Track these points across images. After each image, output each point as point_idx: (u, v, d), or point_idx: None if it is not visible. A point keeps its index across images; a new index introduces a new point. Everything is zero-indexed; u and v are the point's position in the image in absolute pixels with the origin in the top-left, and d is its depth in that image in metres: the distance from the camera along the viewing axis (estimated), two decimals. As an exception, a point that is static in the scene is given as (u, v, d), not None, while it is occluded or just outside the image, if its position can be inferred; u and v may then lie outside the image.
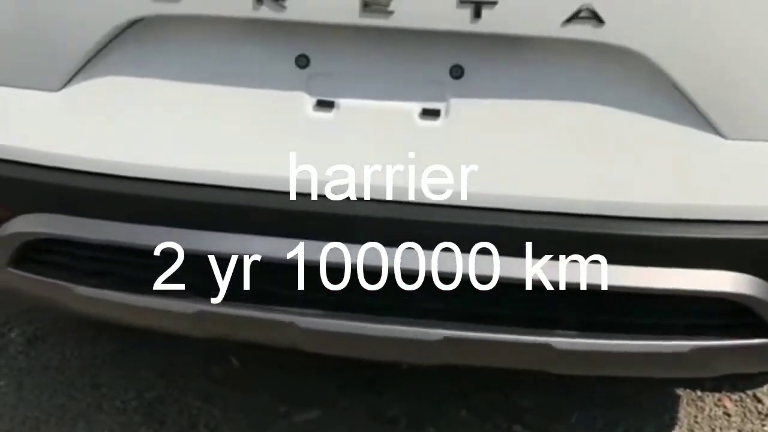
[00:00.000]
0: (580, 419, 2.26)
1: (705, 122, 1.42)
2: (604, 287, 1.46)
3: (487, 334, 1.56)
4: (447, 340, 1.55)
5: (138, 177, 1.55)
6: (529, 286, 1.46)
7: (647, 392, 2.34)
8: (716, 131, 1.43)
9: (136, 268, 1.65)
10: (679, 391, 2.36)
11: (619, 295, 1.51)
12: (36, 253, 1.67)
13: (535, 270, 1.45)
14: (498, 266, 1.47)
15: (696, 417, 2.28)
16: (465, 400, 2.31)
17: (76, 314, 1.84)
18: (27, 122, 1.59)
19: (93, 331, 2.54)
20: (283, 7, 1.38)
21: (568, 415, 2.27)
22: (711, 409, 2.31)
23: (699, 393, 2.35)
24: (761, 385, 2.39)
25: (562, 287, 1.44)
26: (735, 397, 2.36)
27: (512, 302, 1.55)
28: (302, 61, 1.48)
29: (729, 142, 1.43)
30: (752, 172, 1.45)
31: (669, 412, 2.30)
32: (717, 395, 2.35)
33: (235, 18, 1.44)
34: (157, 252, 1.56)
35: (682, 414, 2.29)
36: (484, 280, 1.48)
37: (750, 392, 2.37)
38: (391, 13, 1.36)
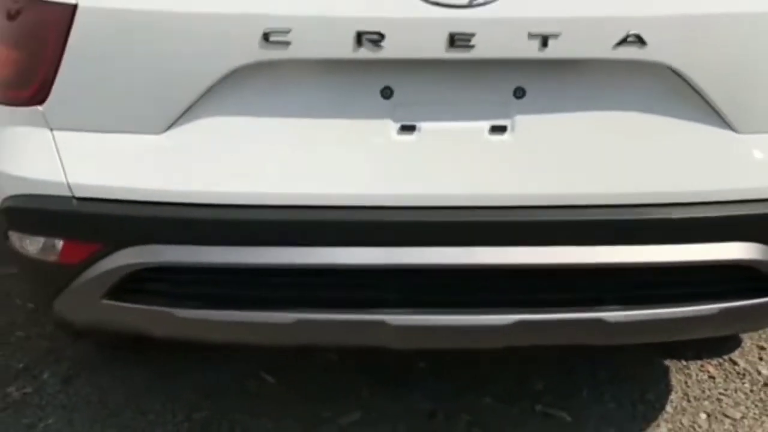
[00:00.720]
0: (590, 395, 2.54)
1: (722, 121, 1.74)
2: (651, 263, 1.75)
3: (551, 315, 1.82)
4: (518, 323, 1.81)
5: (238, 204, 1.74)
6: (595, 268, 1.73)
7: (642, 366, 2.65)
8: (731, 128, 1.75)
9: (235, 286, 1.83)
10: (667, 363, 2.68)
11: (658, 271, 1.81)
12: (135, 283, 1.83)
13: (597, 255, 1.73)
14: (564, 255, 1.74)
15: (686, 382, 2.61)
16: (484, 388, 2.56)
17: (174, 337, 1.99)
18: (131, 163, 1.76)
19: (122, 363, 2.66)
20: (380, 47, 1.61)
21: (579, 392, 2.55)
22: (697, 375, 2.64)
23: (684, 362, 2.68)
24: (734, 349, 2.74)
25: (622, 264, 1.73)
26: (714, 362, 2.69)
27: (571, 285, 1.82)
28: (386, 93, 1.71)
29: (741, 135, 1.75)
30: (759, 158, 1.78)
31: (663, 380, 2.61)
32: (700, 362, 2.68)
33: (331, 59, 1.66)
34: (259, 268, 1.76)
35: (674, 381, 2.61)
36: (552, 268, 1.75)
37: (726, 357, 2.71)
38: (472, 47, 1.62)
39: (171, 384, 2.57)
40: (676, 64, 1.67)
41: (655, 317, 1.85)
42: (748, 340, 2.77)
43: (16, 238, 1.90)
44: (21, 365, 2.68)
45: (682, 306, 1.85)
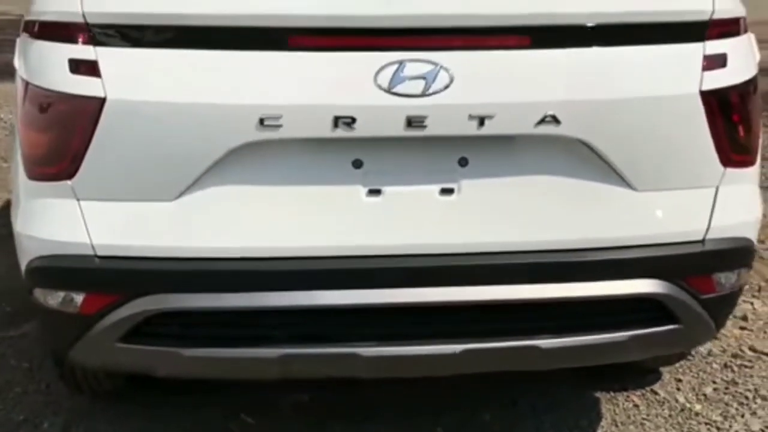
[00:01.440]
0: (532, 423, 2.92)
1: (623, 181, 2.19)
2: (574, 298, 2.17)
3: (494, 344, 2.22)
4: (466, 351, 2.20)
5: (239, 257, 2.12)
6: (529, 303, 2.15)
7: (576, 397, 3.05)
8: (631, 186, 2.19)
9: (231, 327, 2.20)
10: (598, 394, 3.08)
11: (581, 304, 2.23)
12: (147, 327, 2.18)
13: (530, 292, 2.14)
14: (502, 292, 2.15)
15: (614, 410, 3.01)
16: (438, 418, 2.92)
17: (179, 374, 2.33)
18: (146, 226, 2.13)
19: (116, 411, 2.96)
20: (353, 128, 2.03)
21: (522, 421, 2.93)
22: (623, 404, 3.05)
23: (612, 393, 3.09)
24: (655, 381, 3.16)
25: (551, 299, 2.14)
26: (638, 392, 3.11)
27: (509, 318, 2.23)
28: (357, 163, 2.12)
29: (638, 192, 2.20)
30: (655, 211, 2.22)
31: (594, 409, 3.01)
32: (626, 393, 3.09)
33: (313, 137, 2.07)
34: (250, 310, 2.13)
35: (604, 410, 3.01)
36: (493, 303, 2.16)
37: (648, 387, 3.13)
38: (425, 126, 2.04)
39: (163, 428, 2.88)
40: (585, 137, 2.12)
41: (580, 344, 2.26)
42: (667, 373, 3.20)
43: (40, 294, 2.24)
44: (21, 417, 2.96)
45: (602, 334, 2.27)
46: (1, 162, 5.39)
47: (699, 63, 2.15)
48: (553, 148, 2.14)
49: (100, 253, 2.12)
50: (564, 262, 2.16)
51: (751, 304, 3.71)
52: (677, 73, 2.14)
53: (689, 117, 2.15)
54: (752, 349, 3.36)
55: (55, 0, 2.15)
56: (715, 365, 3.25)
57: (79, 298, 2.18)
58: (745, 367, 3.24)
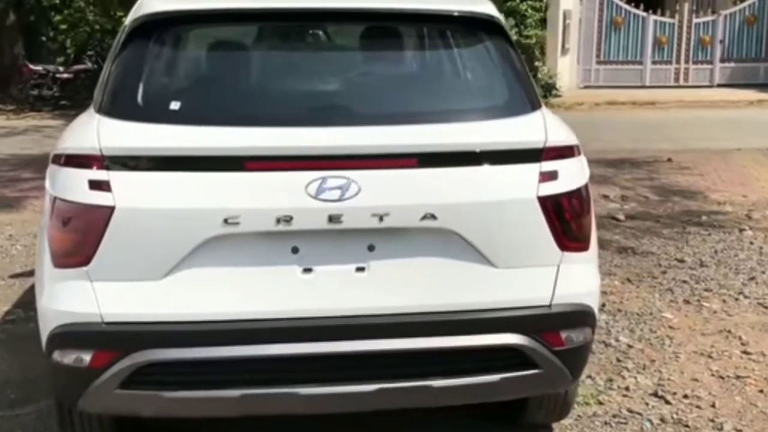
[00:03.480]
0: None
1: (486, 260, 3.03)
2: (457, 347, 2.97)
3: (398, 383, 3.00)
4: (379, 390, 2.98)
5: (208, 320, 2.91)
6: (422, 351, 2.95)
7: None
8: (492, 264, 3.03)
9: (203, 374, 2.97)
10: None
11: (460, 353, 3.03)
12: (138, 376, 2.94)
13: (423, 342, 2.94)
14: (402, 344, 2.95)
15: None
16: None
17: (162, 414, 3.06)
18: (140, 299, 2.92)
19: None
20: (290, 224, 2.88)
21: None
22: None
23: None
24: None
25: (438, 349, 2.94)
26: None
27: (408, 364, 3.02)
28: (295, 249, 2.96)
29: (498, 269, 3.04)
30: (512, 283, 3.06)
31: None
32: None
33: (263, 231, 2.91)
34: (216, 360, 2.91)
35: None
36: (396, 352, 2.96)
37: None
38: (342, 222, 2.90)
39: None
40: (456, 229, 2.97)
41: (463, 383, 3.05)
42: (557, 428, 3.94)
43: (58, 355, 3.00)
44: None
45: (480, 376, 3.06)
46: None
47: (537, 177, 3.03)
48: (434, 236, 2.99)
49: (106, 320, 2.90)
50: (447, 320, 2.97)
51: (635, 378, 4.48)
52: (521, 183, 3.02)
53: (530, 214, 3.01)
54: (629, 410, 4.12)
55: (79, 139, 3.02)
56: (597, 422, 4.00)
57: (88, 355, 2.94)
58: (622, 423, 4.00)
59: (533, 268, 3.06)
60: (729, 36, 19.80)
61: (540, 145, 3.04)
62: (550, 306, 3.06)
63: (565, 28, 18.74)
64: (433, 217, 2.92)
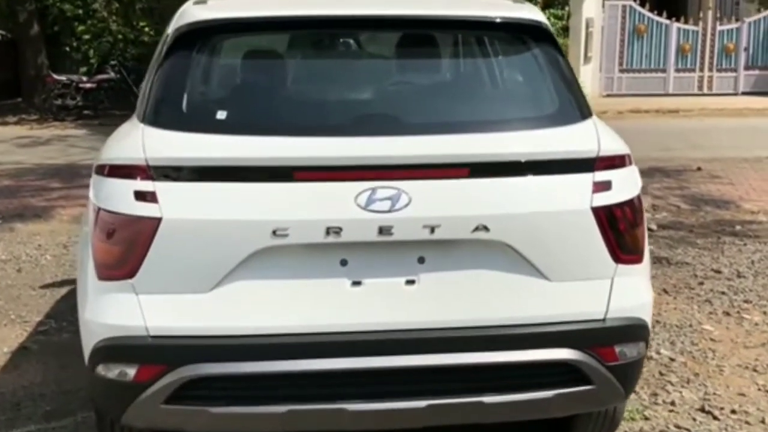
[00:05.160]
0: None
1: (539, 273, 2.96)
2: (510, 363, 2.90)
3: (449, 400, 2.93)
4: (429, 406, 2.91)
5: (255, 334, 2.85)
6: (475, 367, 2.87)
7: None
8: (545, 278, 2.96)
9: (250, 388, 2.91)
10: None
11: (511, 368, 2.95)
12: (185, 391, 2.88)
13: (475, 358, 2.87)
14: (454, 359, 2.88)
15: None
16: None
17: (203, 429, 2.99)
18: (187, 312, 2.87)
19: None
20: (340, 236, 2.82)
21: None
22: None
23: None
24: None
25: (490, 364, 2.87)
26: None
27: (460, 379, 2.95)
28: (343, 262, 2.90)
29: (552, 282, 2.97)
30: (566, 296, 2.98)
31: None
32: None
33: (311, 243, 2.85)
34: (264, 375, 2.85)
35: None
36: (448, 367, 2.88)
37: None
38: (392, 234, 2.83)
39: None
40: (509, 241, 2.90)
41: (516, 400, 2.97)
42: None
43: (102, 369, 2.94)
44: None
45: (533, 392, 2.98)
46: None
47: (590, 187, 2.95)
48: (486, 248, 2.92)
49: (152, 333, 2.85)
50: (500, 335, 2.90)
51: (680, 392, 4.39)
52: (574, 194, 2.95)
53: (584, 226, 2.94)
54: (677, 426, 4.03)
55: (123, 150, 2.97)
56: (644, 438, 3.92)
57: (133, 370, 2.89)
58: (668, 439, 3.92)
59: (587, 281, 2.99)
60: (753, 44, 19.63)
61: (593, 155, 2.97)
62: (604, 320, 2.98)
63: (588, 36, 18.63)
64: (486, 228, 2.86)
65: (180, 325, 2.85)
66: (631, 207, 3.03)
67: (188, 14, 3.15)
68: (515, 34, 3.22)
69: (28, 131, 15.36)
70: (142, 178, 2.84)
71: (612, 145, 3.04)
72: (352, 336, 2.86)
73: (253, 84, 3.26)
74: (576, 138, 3.01)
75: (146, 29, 17.18)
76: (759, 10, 19.89)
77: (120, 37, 17.16)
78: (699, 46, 19.46)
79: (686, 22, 19.69)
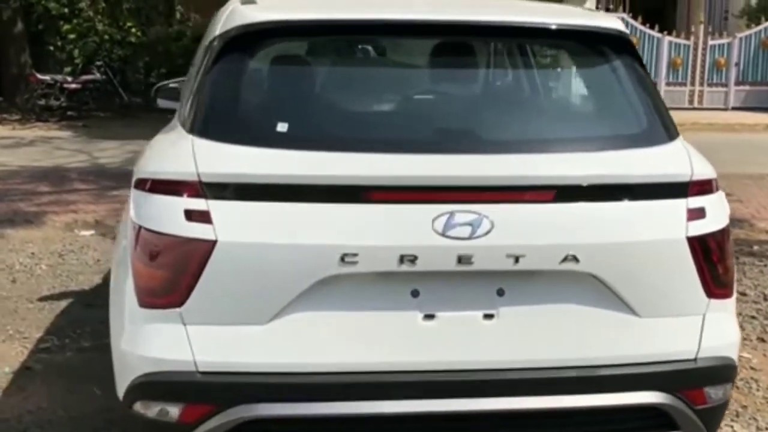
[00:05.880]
0: None
1: (629, 309, 2.69)
2: (595, 407, 2.63)
3: None
4: None
5: (316, 372, 2.56)
6: (560, 411, 2.59)
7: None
8: (635, 313, 2.69)
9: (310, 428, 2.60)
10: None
11: (595, 413, 2.68)
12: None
13: (558, 401, 2.59)
14: (535, 402, 2.60)
15: None
16: None
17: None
18: (242, 346, 2.57)
19: None
20: (414, 264, 2.53)
21: None
22: None
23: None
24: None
25: (574, 408, 2.59)
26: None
27: (543, 425, 2.67)
28: (415, 293, 2.61)
29: (642, 318, 2.70)
30: (656, 334, 2.72)
31: None
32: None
33: (382, 272, 2.56)
34: (329, 418, 2.55)
35: None
36: (528, 412, 2.60)
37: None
38: (472, 263, 2.55)
39: None
40: (597, 273, 2.63)
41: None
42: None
43: (141, 407, 2.64)
44: None
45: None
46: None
47: (684, 214, 2.69)
48: (572, 280, 2.65)
49: (201, 369, 2.55)
50: (585, 376, 2.62)
51: (731, 427, 4.15)
52: (668, 222, 2.69)
53: (679, 257, 2.68)
54: (732, 464, 3.78)
55: (171, 163, 2.67)
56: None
57: (178, 409, 2.58)
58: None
59: (678, 317, 2.73)
60: (744, 59, 19.58)
61: (686, 179, 2.72)
62: (695, 360, 2.72)
63: (580, 47, 18.46)
64: (575, 259, 2.59)
65: (232, 361, 2.55)
66: (724, 236, 2.78)
67: (240, 15, 2.85)
68: (595, 45, 2.95)
69: (10, 131, 14.89)
70: (194, 196, 2.54)
71: (704, 168, 2.79)
72: (425, 376, 2.58)
73: (317, 94, 2.96)
74: (667, 160, 2.76)
75: (133, 30, 16.79)
76: (748, 26, 19.88)
77: (106, 37, 16.72)
78: (690, 61, 19.38)
79: (677, 36, 19.61)
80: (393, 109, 2.93)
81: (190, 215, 2.53)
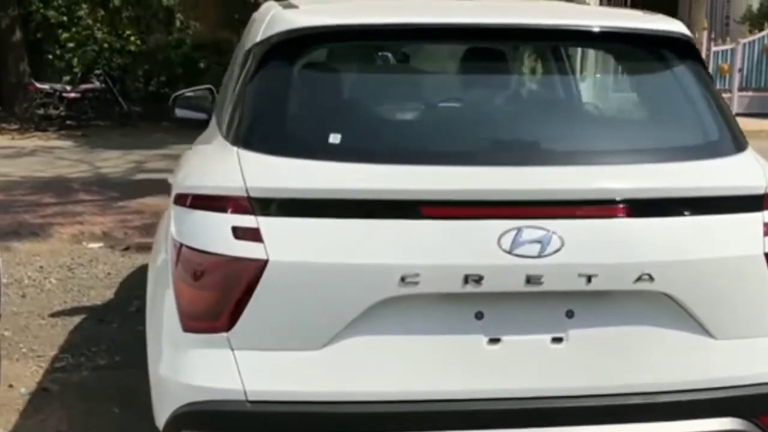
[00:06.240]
0: None
1: (704, 330, 2.53)
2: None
3: None
4: None
5: (373, 401, 2.38)
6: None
7: None
8: (710, 335, 2.53)
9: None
10: None
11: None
12: None
13: (633, 430, 2.42)
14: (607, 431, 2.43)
15: None
16: None
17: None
18: (295, 373, 2.40)
19: None
20: (480, 284, 2.36)
21: None
22: None
23: None
24: None
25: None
26: None
27: None
28: (479, 315, 2.44)
29: (717, 341, 2.54)
30: (732, 357, 2.55)
31: None
32: None
33: (445, 293, 2.39)
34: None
35: None
36: None
37: None
38: (541, 283, 2.39)
39: None
40: (673, 292, 2.47)
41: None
42: None
43: (186, 438, 2.46)
44: None
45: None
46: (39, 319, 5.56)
47: (761, 228, 2.53)
48: (644, 301, 2.49)
49: (251, 398, 2.37)
50: (660, 402, 2.46)
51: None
52: (744, 237, 2.52)
53: (756, 274, 2.52)
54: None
55: (216, 176, 2.49)
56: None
57: None
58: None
59: (755, 338, 2.57)
60: (748, 65, 19.48)
61: (761, 191, 2.56)
62: None
63: (584, 54, 18.38)
64: (650, 278, 2.42)
65: (284, 389, 2.38)
66: None
67: (284, 20, 2.68)
68: (659, 49, 2.79)
69: (10, 141, 14.68)
70: (242, 212, 2.38)
71: None
72: (490, 404, 2.42)
73: (369, 102, 2.79)
74: (740, 171, 2.60)
75: (132, 38, 16.62)
76: (751, 32, 19.79)
77: (105, 45, 16.55)
78: (694, 67, 19.24)
79: (681, 42, 19.46)
80: (452, 118, 2.76)
81: (239, 233, 2.36)
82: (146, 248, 7.19)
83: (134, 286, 6.10)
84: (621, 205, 2.44)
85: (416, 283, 2.35)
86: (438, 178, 2.41)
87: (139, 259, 6.85)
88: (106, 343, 4.99)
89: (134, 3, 16.80)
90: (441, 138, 2.59)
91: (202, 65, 15.73)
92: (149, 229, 7.92)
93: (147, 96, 16.58)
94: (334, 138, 2.47)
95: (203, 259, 2.41)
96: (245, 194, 2.38)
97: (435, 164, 2.43)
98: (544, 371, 2.45)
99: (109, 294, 6.03)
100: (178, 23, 17.32)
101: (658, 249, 2.44)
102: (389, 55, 2.93)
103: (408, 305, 2.40)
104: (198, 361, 2.42)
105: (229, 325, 2.38)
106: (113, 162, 12.06)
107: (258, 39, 2.75)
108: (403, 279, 2.34)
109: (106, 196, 9.58)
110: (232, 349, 2.39)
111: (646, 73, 2.94)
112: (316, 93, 2.68)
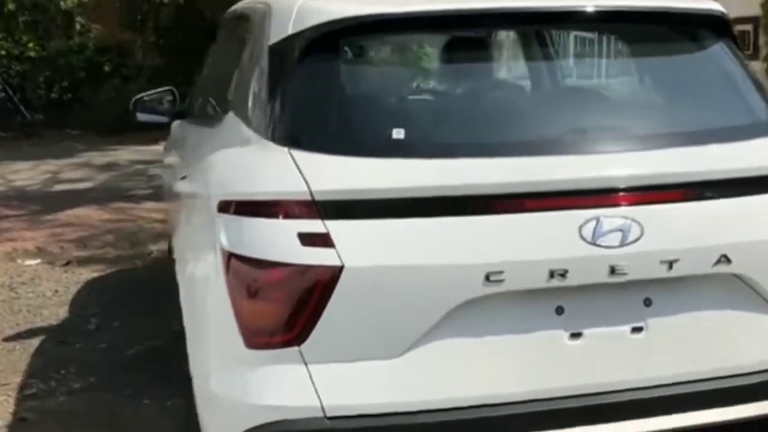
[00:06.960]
0: None
1: None
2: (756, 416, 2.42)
3: None
4: None
5: (465, 407, 2.26)
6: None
7: None
8: None
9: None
10: None
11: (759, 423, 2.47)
12: None
13: (720, 414, 2.37)
14: (696, 418, 2.37)
15: None
16: None
17: None
18: (375, 383, 2.25)
19: None
20: (564, 278, 2.27)
21: None
22: None
23: None
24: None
25: (737, 419, 2.38)
26: None
27: None
28: (559, 310, 2.35)
29: None
30: None
31: None
32: None
33: (530, 289, 2.29)
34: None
35: None
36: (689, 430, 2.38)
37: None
38: (625, 273, 2.31)
39: None
40: (746, 273, 2.43)
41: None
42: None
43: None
44: None
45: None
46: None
47: None
48: (720, 284, 2.44)
49: (330, 414, 2.22)
50: (742, 385, 2.42)
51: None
52: None
53: None
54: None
55: (273, 181, 2.31)
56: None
57: None
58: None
59: None
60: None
61: None
62: None
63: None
64: (728, 260, 2.38)
65: (364, 402, 2.24)
66: None
67: (317, 10, 2.52)
68: (698, 29, 2.76)
69: None
70: (308, 217, 2.21)
71: None
72: (576, 401, 2.33)
73: (427, 94, 2.65)
74: None
75: (31, 44, 15.87)
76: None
77: (3, 52, 15.74)
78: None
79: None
80: (517, 106, 2.65)
81: (306, 239, 2.20)
82: (88, 262, 6.89)
83: (87, 303, 5.80)
84: (695, 188, 2.39)
85: (501, 281, 2.24)
86: (515, 170, 2.30)
87: (84, 274, 6.53)
88: (75, 365, 4.69)
89: (30, 7, 16.01)
90: (510, 127, 2.48)
91: (107, 68, 15.17)
92: (86, 242, 7.56)
93: (49, 103, 15.88)
94: (398, 133, 2.33)
95: (266, 270, 2.24)
96: (310, 198, 2.21)
97: (508, 156, 2.32)
98: (627, 362, 2.38)
99: (63, 312, 5.69)
100: (78, 27, 16.63)
101: (733, 230, 2.41)
102: (436, 43, 2.79)
103: (488, 305, 2.29)
104: (267, 379, 2.25)
105: (302, 338, 2.22)
106: (26, 174, 11.46)
107: (290, 31, 2.57)
108: (487, 278, 2.23)
109: (30, 210, 9.08)
110: (306, 363, 2.23)
111: (689, 54, 2.90)
112: (370, 87, 2.54)
